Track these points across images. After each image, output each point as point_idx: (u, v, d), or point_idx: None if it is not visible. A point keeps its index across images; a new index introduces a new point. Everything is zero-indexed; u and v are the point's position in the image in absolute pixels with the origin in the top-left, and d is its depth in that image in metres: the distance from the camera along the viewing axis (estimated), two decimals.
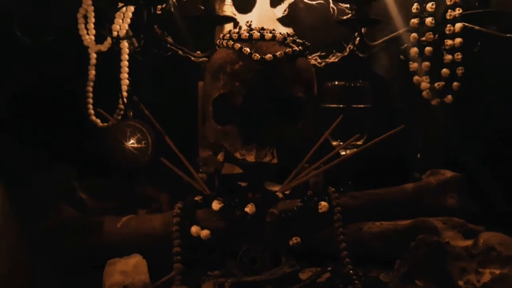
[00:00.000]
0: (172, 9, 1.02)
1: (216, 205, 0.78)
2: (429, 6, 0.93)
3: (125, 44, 0.98)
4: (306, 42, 0.88)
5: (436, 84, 0.93)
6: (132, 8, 0.97)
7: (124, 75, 0.98)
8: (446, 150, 0.95)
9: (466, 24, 0.91)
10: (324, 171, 0.83)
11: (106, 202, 0.89)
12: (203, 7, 0.98)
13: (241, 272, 0.72)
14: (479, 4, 0.90)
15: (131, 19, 0.97)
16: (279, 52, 0.81)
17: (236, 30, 0.87)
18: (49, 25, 0.95)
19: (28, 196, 0.80)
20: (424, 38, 0.94)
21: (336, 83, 0.92)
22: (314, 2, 1.04)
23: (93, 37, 0.98)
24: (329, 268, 0.71)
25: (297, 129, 0.84)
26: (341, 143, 0.90)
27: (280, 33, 0.85)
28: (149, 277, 0.71)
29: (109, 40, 0.97)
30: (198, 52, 1.02)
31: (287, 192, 0.84)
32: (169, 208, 0.85)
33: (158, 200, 0.90)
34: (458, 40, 0.91)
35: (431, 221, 0.74)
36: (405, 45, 0.97)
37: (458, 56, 0.91)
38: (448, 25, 0.92)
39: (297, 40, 0.86)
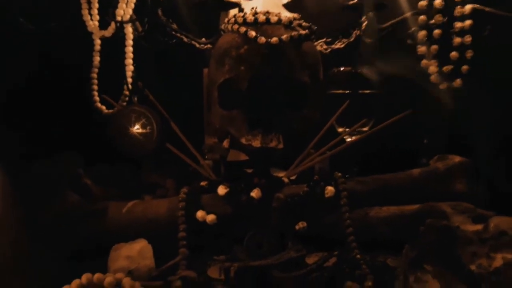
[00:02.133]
0: None
1: (222, 190, 0.77)
2: None
3: (129, 30, 0.97)
4: (313, 26, 0.86)
5: (444, 68, 0.92)
6: None
7: (129, 60, 0.97)
8: (454, 134, 0.94)
9: (476, 5, 0.89)
10: (330, 157, 0.83)
11: (111, 189, 0.88)
12: None
13: (247, 257, 0.71)
14: None
15: (135, 4, 0.96)
16: (285, 36, 0.80)
17: (241, 14, 0.86)
18: (52, 11, 0.94)
19: (33, 183, 0.80)
20: (433, 21, 0.92)
21: (342, 69, 0.91)
22: None
23: (97, 23, 0.97)
24: (336, 253, 0.70)
25: (303, 114, 0.84)
26: (347, 129, 0.89)
27: (286, 17, 0.84)
28: (154, 262, 0.71)
29: (113, 25, 0.96)
30: (203, 39, 1.01)
31: (292, 178, 0.83)
32: (174, 194, 0.85)
33: (164, 186, 0.90)
34: (467, 22, 0.89)
35: (440, 205, 0.72)
36: (412, 29, 0.95)
37: (468, 38, 0.90)
38: (458, 6, 0.90)
39: (303, 24, 0.85)
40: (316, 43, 0.98)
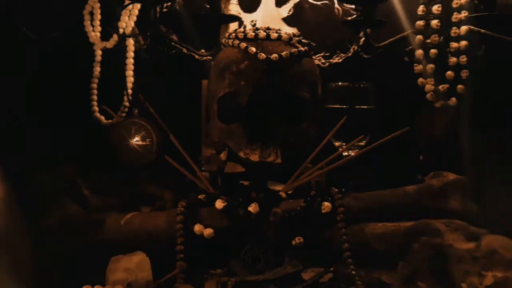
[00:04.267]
0: (178, 7, 1.02)
1: (219, 204, 0.78)
2: (435, 8, 0.93)
3: (130, 42, 0.98)
4: (312, 43, 0.88)
5: (440, 87, 0.93)
6: (138, 5, 0.97)
7: (130, 72, 0.98)
8: (449, 152, 0.95)
9: (472, 27, 0.91)
10: (327, 172, 0.84)
11: (109, 200, 0.89)
12: (208, 6, 0.98)
13: (244, 271, 0.72)
14: (485, 7, 0.90)
15: (137, 16, 0.97)
16: (284, 52, 0.81)
17: (242, 29, 0.87)
18: (55, 21, 0.95)
19: (32, 193, 0.80)
20: (429, 40, 0.94)
21: (340, 83, 0.92)
22: (319, 3, 1.05)
23: (98, 34, 0.98)
24: (332, 269, 0.71)
25: (301, 129, 0.85)
26: (344, 144, 0.90)
27: (286, 33, 0.85)
28: (152, 275, 0.71)
29: (115, 37, 0.97)
30: (203, 50, 1.02)
31: (290, 192, 0.84)
32: (172, 206, 0.86)
33: (162, 198, 0.90)
34: (463, 43, 0.91)
35: (434, 223, 0.74)
36: (410, 47, 0.97)
37: (463, 58, 0.91)
38: (454, 27, 0.92)
39: (303, 40, 0.87)
40: (314, 57, 1.00)
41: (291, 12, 1.05)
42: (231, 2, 1.01)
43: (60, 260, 0.74)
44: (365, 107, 0.91)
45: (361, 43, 0.99)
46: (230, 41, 0.85)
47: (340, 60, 1.04)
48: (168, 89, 1.02)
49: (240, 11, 1.04)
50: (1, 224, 0.70)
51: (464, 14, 0.92)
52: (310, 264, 0.75)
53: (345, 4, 1.02)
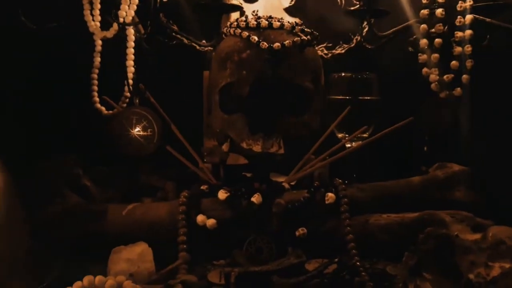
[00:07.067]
0: None
1: (222, 195, 0.77)
2: None
3: (131, 31, 0.97)
4: (315, 32, 0.87)
5: (445, 77, 0.93)
6: None
7: (130, 62, 0.97)
8: (454, 143, 0.95)
9: (477, 16, 0.90)
10: (330, 163, 0.83)
11: (110, 190, 0.88)
12: None
13: (247, 262, 0.71)
14: None
15: (137, 5, 0.96)
16: (287, 41, 0.80)
17: (244, 18, 0.86)
18: (54, 11, 0.94)
19: (32, 183, 0.79)
20: (433, 30, 0.93)
21: (343, 74, 0.92)
22: None
23: (98, 24, 0.97)
24: (336, 260, 0.71)
25: (304, 119, 0.84)
26: (347, 135, 0.89)
27: (289, 22, 0.84)
28: (154, 266, 0.71)
29: (115, 26, 0.96)
30: (204, 41, 1.01)
31: (292, 183, 0.84)
32: (174, 197, 0.85)
33: (163, 188, 0.90)
34: (468, 32, 0.90)
35: (439, 214, 0.73)
36: (414, 37, 0.96)
37: (468, 48, 0.90)
38: (459, 16, 0.91)
39: (306, 29, 0.86)
40: (317, 48, 0.99)
41: (293, 2, 1.04)
42: None
43: (61, 250, 0.73)
44: (368, 98, 0.91)
45: (364, 33, 0.98)
46: (231, 30, 0.84)
47: (343, 51, 1.03)
48: (169, 80, 1.01)
49: (242, 0, 1.03)
50: (1, 214, 0.69)
51: (469, 3, 0.91)
52: (314, 255, 0.74)
53: None
